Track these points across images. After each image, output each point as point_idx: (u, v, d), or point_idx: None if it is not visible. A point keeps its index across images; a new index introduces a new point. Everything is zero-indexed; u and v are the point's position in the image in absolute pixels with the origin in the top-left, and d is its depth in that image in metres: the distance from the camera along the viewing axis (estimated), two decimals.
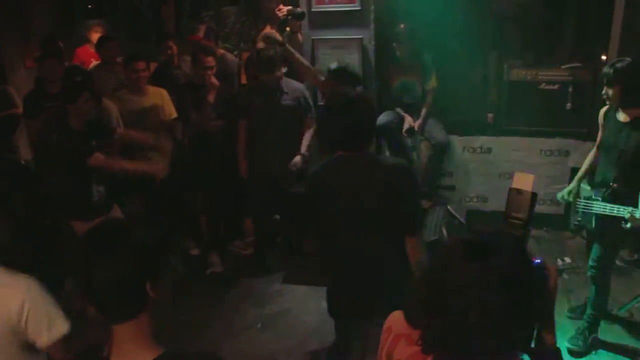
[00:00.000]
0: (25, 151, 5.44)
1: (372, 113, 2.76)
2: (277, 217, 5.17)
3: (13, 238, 2.59)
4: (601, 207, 3.34)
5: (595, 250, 3.58)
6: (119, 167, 3.94)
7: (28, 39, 6.72)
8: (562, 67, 5.19)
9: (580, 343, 3.68)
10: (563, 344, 3.66)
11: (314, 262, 4.52)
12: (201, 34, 6.61)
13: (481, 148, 5.36)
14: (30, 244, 2.92)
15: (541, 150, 5.21)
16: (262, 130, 4.61)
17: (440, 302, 1.28)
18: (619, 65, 3.26)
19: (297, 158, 4.61)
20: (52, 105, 4.44)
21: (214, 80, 4.74)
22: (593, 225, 3.48)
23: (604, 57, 5.17)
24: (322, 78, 4.39)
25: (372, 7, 4.62)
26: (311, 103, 4.66)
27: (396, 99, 5.05)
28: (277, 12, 4.64)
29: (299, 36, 5.18)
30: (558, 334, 1.50)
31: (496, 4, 5.91)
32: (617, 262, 4.55)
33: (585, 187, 3.65)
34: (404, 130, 4.92)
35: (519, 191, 1.92)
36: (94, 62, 6.22)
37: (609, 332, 3.82)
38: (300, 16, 4.64)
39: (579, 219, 3.63)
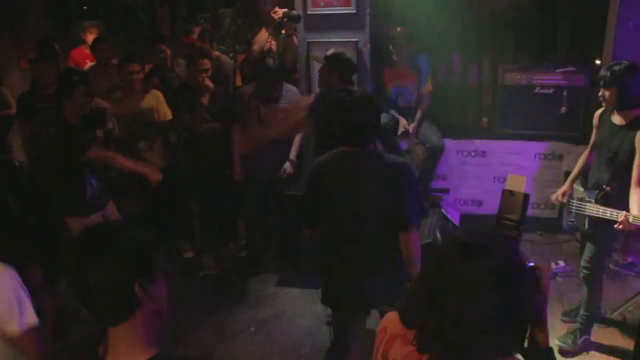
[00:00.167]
0: (19, 152, 5.42)
1: (376, 112, 2.85)
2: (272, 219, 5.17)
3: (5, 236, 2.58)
4: (594, 209, 3.35)
5: (588, 250, 3.60)
6: (117, 161, 3.92)
7: (23, 40, 6.70)
8: (557, 71, 5.21)
9: (569, 341, 3.70)
10: (554, 342, 3.67)
11: (308, 265, 4.58)
12: (195, 36, 6.61)
13: (475, 151, 5.39)
14: (23, 241, 2.91)
15: (535, 153, 5.24)
16: (256, 133, 4.62)
17: (435, 302, 1.29)
18: (616, 67, 3.28)
19: (287, 164, 4.67)
20: (46, 107, 4.43)
21: (208, 82, 4.74)
22: (586, 227, 3.49)
23: (598, 62, 5.20)
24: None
25: (368, 10, 4.62)
26: None
27: (391, 102, 5.06)
28: (273, 15, 4.64)
29: (295, 39, 5.18)
30: (551, 336, 1.51)
31: (491, 9, 5.93)
32: (611, 266, 4.58)
33: (578, 189, 3.67)
34: (398, 133, 4.94)
35: (511, 193, 1.94)
36: (89, 64, 6.21)
37: (602, 335, 3.83)
38: (296, 19, 4.64)
39: (572, 219, 3.64)
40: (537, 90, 5.24)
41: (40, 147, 4.27)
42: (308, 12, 4.67)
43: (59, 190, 3.78)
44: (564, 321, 3.97)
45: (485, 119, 5.63)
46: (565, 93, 5.13)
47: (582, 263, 3.65)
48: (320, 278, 3.07)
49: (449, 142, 5.32)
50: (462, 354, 1.29)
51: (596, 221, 3.40)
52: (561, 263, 4.70)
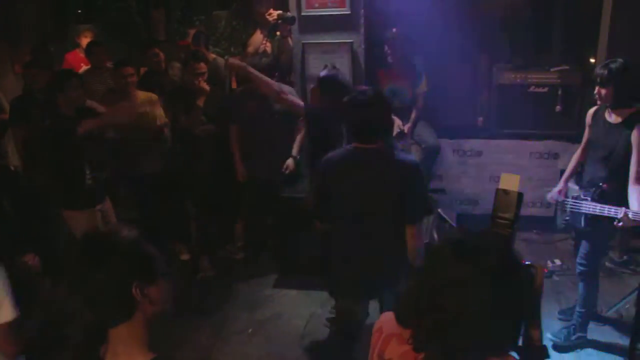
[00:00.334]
0: (13, 157, 5.40)
1: (388, 110, 2.98)
2: (269, 220, 5.17)
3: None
4: (591, 207, 3.36)
5: (584, 247, 3.61)
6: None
7: (18, 43, 6.68)
8: (551, 70, 5.24)
9: (562, 336, 3.71)
10: (547, 336, 3.68)
11: (306, 266, 4.58)
12: (190, 38, 6.61)
13: (471, 151, 5.40)
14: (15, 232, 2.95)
15: (531, 152, 5.25)
16: (253, 134, 4.63)
17: (431, 301, 1.30)
18: (612, 65, 3.29)
19: (290, 161, 4.66)
20: (39, 112, 4.42)
21: (204, 85, 4.74)
22: (582, 225, 3.49)
23: (592, 60, 5.22)
24: (288, 96, 4.35)
25: (362, 11, 4.63)
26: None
27: None
28: (268, 17, 4.65)
29: (289, 40, 5.18)
30: (548, 334, 1.52)
31: (485, 8, 5.94)
32: (607, 264, 4.59)
33: (573, 187, 3.68)
34: (394, 134, 4.93)
35: (505, 192, 1.94)
36: (84, 67, 6.20)
37: (598, 333, 3.84)
38: (291, 20, 4.65)
39: (567, 218, 3.64)
40: (532, 89, 5.26)
41: (35, 144, 4.26)
42: (302, 14, 4.67)
43: (56, 183, 3.80)
44: (560, 319, 3.98)
45: (480, 119, 5.64)
46: (560, 92, 5.15)
47: (578, 260, 3.67)
48: (326, 268, 3.16)
49: (444, 142, 5.33)
50: (458, 353, 1.29)
51: (592, 219, 3.41)
52: (557, 261, 4.71)
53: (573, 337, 3.71)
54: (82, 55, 6.56)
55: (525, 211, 5.04)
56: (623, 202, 3.23)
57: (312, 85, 4.33)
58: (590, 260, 3.60)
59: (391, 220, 2.87)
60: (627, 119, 3.34)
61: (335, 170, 2.94)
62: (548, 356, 1.54)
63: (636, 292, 3.52)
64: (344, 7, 4.59)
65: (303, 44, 4.75)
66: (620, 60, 3.32)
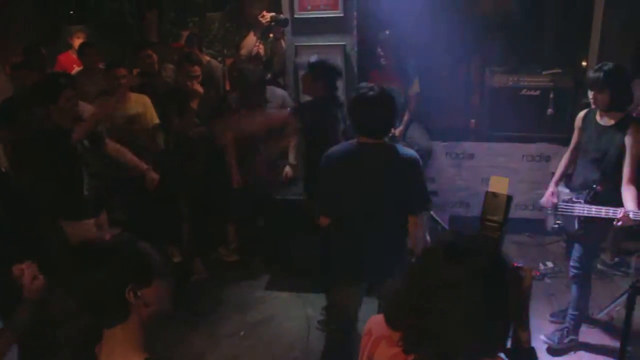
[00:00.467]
0: (2, 159, 5.35)
1: (395, 107, 3.04)
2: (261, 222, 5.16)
3: None
4: (586, 209, 3.37)
5: (577, 250, 3.62)
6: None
7: (9, 44, 6.65)
8: (543, 73, 5.26)
9: (556, 339, 3.72)
10: (540, 339, 3.70)
11: (297, 269, 4.58)
12: (183, 40, 6.60)
13: (464, 154, 5.41)
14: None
15: (523, 155, 5.27)
16: (246, 137, 4.62)
17: (421, 303, 1.30)
18: (606, 68, 3.29)
19: (288, 168, 4.66)
20: (27, 114, 4.37)
21: (197, 87, 4.73)
22: (575, 227, 3.49)
23: (584, 63, 5.24)
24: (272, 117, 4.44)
25: (355, 13, 4.64)
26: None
27: None
28: (261, 19, 4.65)
29: (282, 42, 5.18)
30: (540, 337, 1.52)
31: (478, 11, 5.97)
32: (598, 266, 4.61)
33: (563, 190, 3.68)
34: None
35: (494, 194, 1.94)
36: (77, 69, 6.18)
37: (589, 335, 3.86)
38: (283, 22, 4.65)
39: (558, 221, 3.65)
40: (524, 92, 5.27)
41: (23, 146, 4.19)
42: (295, 16, 4.68)
43: (52, 189, 3.74)
44: (552, 322, 3.99)
45: (473, 121, 5.66)
46: (552, 95, 5.16)
47: (572, 263, 3.68)
48: (322, 266, 3.27)
49: (437, 145, 5.34)
50: (448, 355, 1.30)
51: (586, 221, 3.42)
52: (549, 264, 4.73)
53: (566, 340, 3.72)
54: (74, 56, 6.54)
55: (518, 213, 5.07)
56: (617, 203, 3.24)
57: (302, 72, 4.25)
58: (584, 263, 3.61)
59: (394, 211, 2.99)
60: (620, 122, 3.36)
61: (340, 165, 3.02)
62: (536, 358, 1.54)
63: (627, 295, 3.53)
64: (336, 9, 4.61)
65: (296, 46, 4.76)
66: (611, 63, 3.33)
